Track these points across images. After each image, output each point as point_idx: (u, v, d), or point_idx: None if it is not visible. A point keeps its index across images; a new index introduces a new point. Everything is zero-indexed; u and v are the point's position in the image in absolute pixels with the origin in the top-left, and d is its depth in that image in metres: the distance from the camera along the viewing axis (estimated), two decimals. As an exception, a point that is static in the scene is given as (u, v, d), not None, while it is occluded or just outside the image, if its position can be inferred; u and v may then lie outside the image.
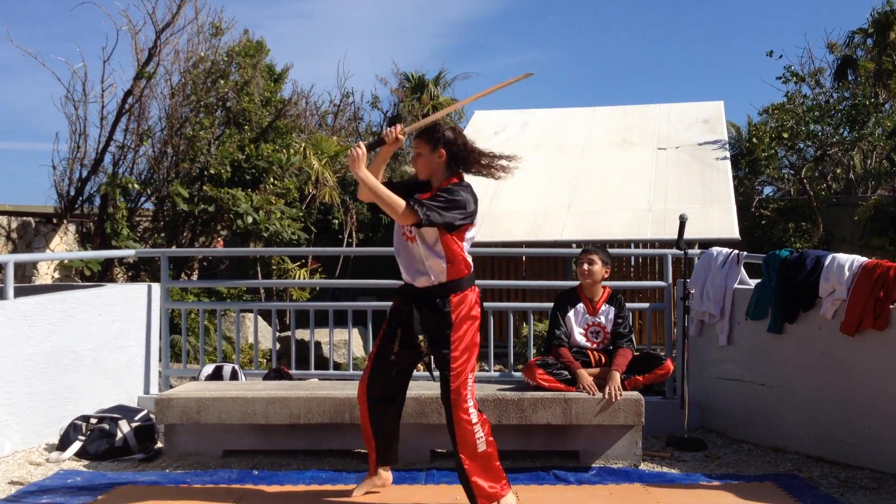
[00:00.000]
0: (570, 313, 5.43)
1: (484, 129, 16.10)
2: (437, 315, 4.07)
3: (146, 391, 6.50)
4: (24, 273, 11.57)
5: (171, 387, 6.29)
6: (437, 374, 4.19)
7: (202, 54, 13.43)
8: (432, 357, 4.20)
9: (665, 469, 5.04)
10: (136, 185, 11.96)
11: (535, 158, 14.54)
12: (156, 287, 6.67)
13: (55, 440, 5.42)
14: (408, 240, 4.12)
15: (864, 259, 5.15)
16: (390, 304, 6.64)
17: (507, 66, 50.43)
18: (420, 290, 4.12)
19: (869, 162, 16.85)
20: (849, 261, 5.15)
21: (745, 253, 6.07)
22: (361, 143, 4.00)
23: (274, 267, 12.23)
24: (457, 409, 4.04)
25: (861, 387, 5.00)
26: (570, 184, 13.42)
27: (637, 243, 11.89)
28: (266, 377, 6.34)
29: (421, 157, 4.15)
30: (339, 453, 5.15)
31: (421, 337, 4.15)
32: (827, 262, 5.25)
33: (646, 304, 6.96)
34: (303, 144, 13.68)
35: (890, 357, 4.83)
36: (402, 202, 3.95)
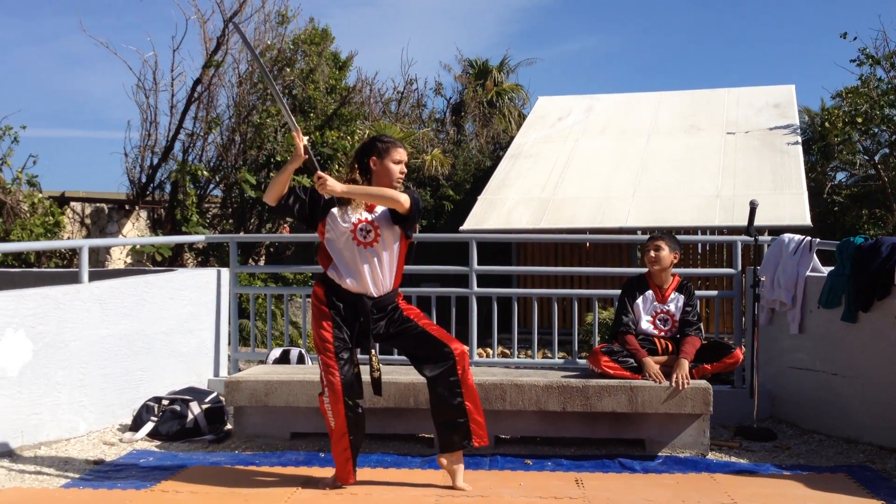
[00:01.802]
0: (639, 300, 5.36)
1: (547, 115, 16.02)
2: (392, 318, 4.20)
3: (216, 374, 6.64)
4: (98, 258, 11.90)
5: (240, 370, 6.40)
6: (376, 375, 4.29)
7: (269, 42, 13.62)
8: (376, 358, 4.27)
9: (733, 459, 4.96)
10: (205, 172, 12.20)
11: (599, 144, 14.42)
12: (225, 272, 6.79)
13: (128, 421, 5.57)
14: (362, 244, 4.09)
15: (943, 246, 4.98)
16: (455, 289, 6.72)
17: (572, 52, 49.97)
18: (377, 299, 4.14)
19: (948, 147, 16.26)
20: (927, 248, 4.99)
21: (818, 240, 5.92)
22: (318, 172, 3.96)
23: (338, 252, 12.35)
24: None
25: (939, 378, 4.84)
26: (636, 170, 13.26)
27: (705, 230, 11.70)
28: (332, 361, 6.40)
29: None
30: (404, 437, 5.19)
31: (374, 352, 4.21)
32: (904, 249, 5.09)
33: (714, 292, 6.84)
34: (367, 131, 13.78)
35: (971, 348, 4.67)
36: (394, 191, 4.01)
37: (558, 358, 6.87)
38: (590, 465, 4.74)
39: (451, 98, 21.55)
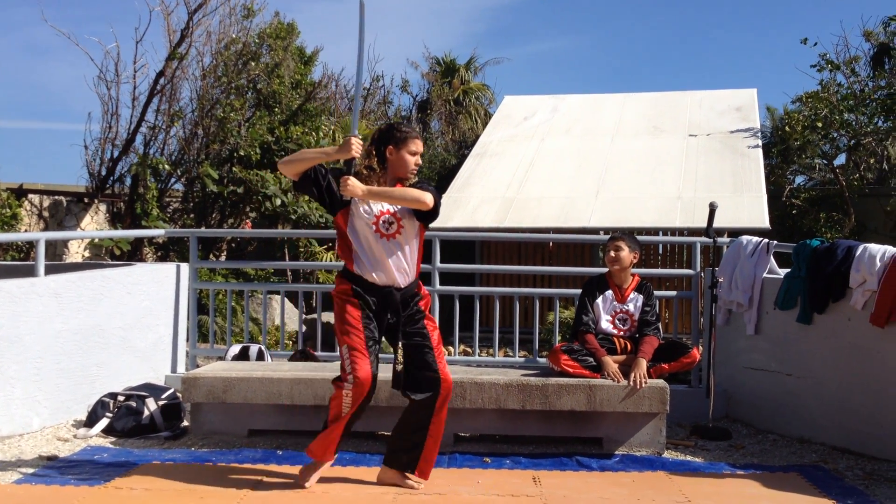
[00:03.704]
0: (599, 300, 5.40)
1: (513, 114, 16.06)
2: (412, 313, 4.14)
3: (173, 370, 6.57)
4: (55, 251, 11.73)
5: (198, 366, 6.35)
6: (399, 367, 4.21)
7: (234, 36, 13.51)
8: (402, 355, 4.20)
9: (689, 458, 5.02)
10: (166, 166, 12.08)
11: (564, 144, 14.49)
12: (184, 267, 6.73)
13: (83, 417, 5.50)
14: (384, 237, 4.05)
15: (897, 250, 5.08)
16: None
17: (539, 52, 50.16)
18: (403, 290, 4.11)
19: (904, 152, 16.58)
20: (880, 251, 5.08)
21: (775, 242, 6.01)
22: (345, 177, 3.92)
23: (301, 249, 12.30)
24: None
25: (889, 379, 4.93)
26: (600, 170, 13.35)
27: (666, 231, 11.81)
28: (292, 358, 6.38)
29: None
30: (363, 435, 5.17)
31: (400, 345, 4.17)
32: (858, 252, 5.18)
33: (673, 293, 6.91)
34: (332, 127, 13.72)
35: (921, 350, 4.77)
36: (419, 191, 4.00)
37: (519, 356, 6.90)
38: (548, 463, 4.76)
39: (417, 96, 21.56)
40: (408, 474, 4.20)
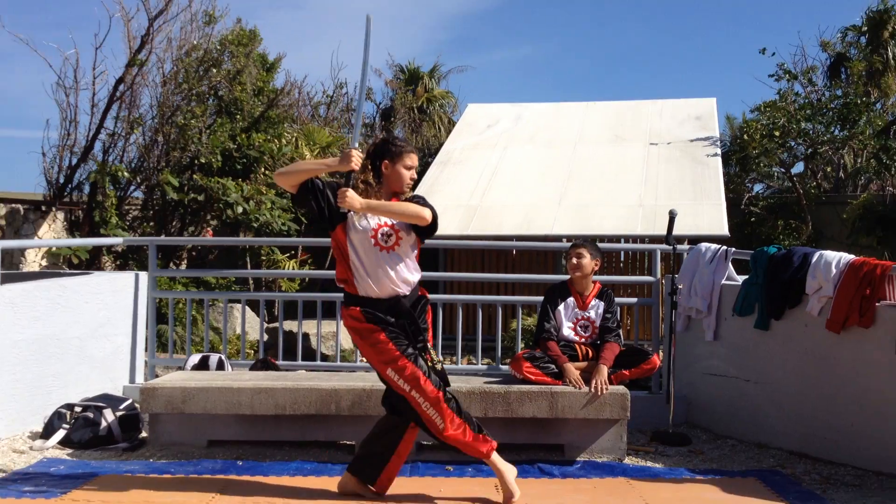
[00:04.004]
0: (560, 307, 5.43)
1: (477, 122, 16.12)
2: (415, 324, 4.10)
3: (132, 380, 6.48)
4: (12, 260, 11.53)
5: (157, 376, 6.27)
6: None
7: (195, 42, 13.40)
8: None
9: (649, 463, 5.05)
10: (125, 174, 11.93)
11: (527, 152, 14.56)
12: (143, 276, 6.65)
13: (39, 428, 5.40)
14: (384, 249, 4.01)
15: (851, 257, 5.16)
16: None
17: (503, 60, 50.39)
18: (408, 296, 4.08)
19: (859, 160, 16.91)
20: (836, 258, 5.16)
21: (734, 249, 6.08)
22: (343, 189, 3.88)
23: (263, 258, 12.21)
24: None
25: (846, 384, 5.02)
26: (562, 178, 13.43)
27: (627, 238, 11.90)
28: (252, 368, 6.33)
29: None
30: (325, 445, 5.15)
31: (430, 345, 4.15)
32: (814, 259, 5.26)
33: (634, 299, 6.96)
34: (295, 135, 13.66)
35: (875, 355, 4.85)
36: (417, 207, 3.98)
37: (482, 364, 6.91)
38: (510, 470, 4.76)
39: (381, 103, 21.53)
40: (368, 486, 4.18)
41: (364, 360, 8.91)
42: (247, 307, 7.22)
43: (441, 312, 6.71)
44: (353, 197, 3.86)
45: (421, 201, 4.08)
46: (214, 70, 13.15)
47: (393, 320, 4.01)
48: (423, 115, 20.66)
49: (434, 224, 4.08)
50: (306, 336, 9.14)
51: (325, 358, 8.46)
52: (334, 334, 7.61)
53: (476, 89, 44.26)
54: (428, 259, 13.04)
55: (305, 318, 6.99)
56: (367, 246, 4.00)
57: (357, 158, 3.90)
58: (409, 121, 19.86)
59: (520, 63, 50.99)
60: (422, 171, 15.26)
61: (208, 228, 12.89)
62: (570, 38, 52.51)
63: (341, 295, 6.77)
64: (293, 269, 12.01)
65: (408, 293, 4.07)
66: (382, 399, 4.24)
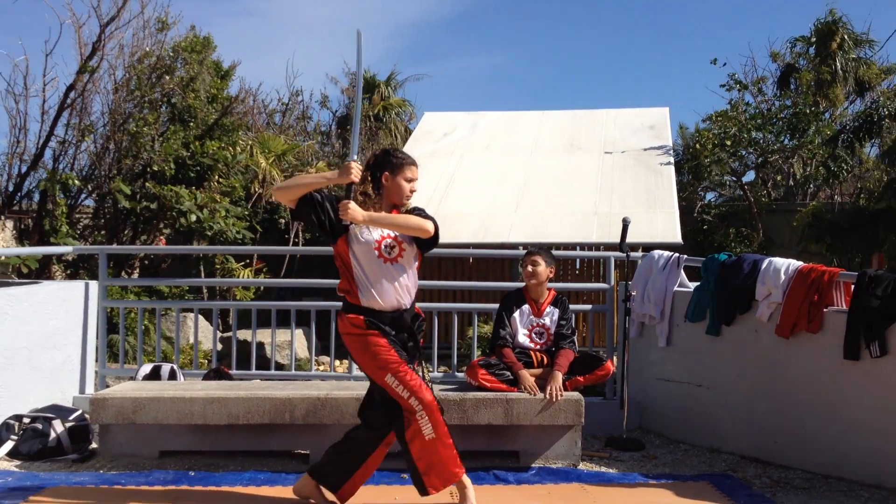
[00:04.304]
0: (516, 314, 5.46)
1: (433, 130, 16.13)
2: (414, 339, 4.10)
3: (82, 391, 6.37)
4: (-41, 270, 11.27)
5: (108, 387, 6.17)
6: None
7: (147, 49, 13.24)
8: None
9: (603, 469, 5.09)
10: (76, 182, 11.74)
11: (484, 160, 14.60)
12: (93, 285, 6.54)
13: (-14, 440, 5.28)
14: (387, 261, 3.99)
15: (800, 263, 5.26)
16: (335, 303, 6.66)
17: (459, 69, 50.57)
18: (408, 310, 4.07)
19: (808, 169, 17.25)
20: (784, 265, 5.26)
21: (686, 256, 6.16)
22: (345, 201, 3.83)
23: (218, 266, 12.09)
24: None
25: (795, 389, 5.10)
26: (519, 186, 13.49)
27: (583, 246, 11.99)
28: (205, 377, 6.26)
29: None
30: (279, 454, 5.11)
31: (423, 364, 4.15)
32: (763, 265, 5.35)
33: (588, 306, 7.01)
34: (250, 142, 13.56)
35: (823, 359, 4.94)
36: (420, 219, 3.97)
37: (439, 372, 6.90)
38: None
39: (337, 111, 21.48)
40: (325, 490, 4.14)
41: (321, 368, 8.91)
42: (200, 316, 7.13)
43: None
44: (354, 209, 3.82)
45: (422, 214, 4.06)
46: (167, 77, 12.99)
47: (394, 333, 3.99)
48: (379, 123, 20.65)
49: (436, 236, 4.07)
50: (261, 345, 9.06)
51: (280, 367, 8.38)
52: (289, 343, 7.54)
53: (433, 98, 44.43)
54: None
55: (260, 326, 6.93)
56: (371, 258, 3.97)
57: (357, 170, 3.87)
58: (366, 129, 19.82)
59: (476, 72, 51.23)
60: (378, 179, 15.25)
61: (161, 237, 12.72)
62: (526, 48, 52.91)
63: (295, 303, 6.80)
64: (248, 277, 11.91)
65: (409, 306, 4.07)
66: (359, 411, 4.19)
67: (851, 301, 4.85)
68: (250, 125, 15.75)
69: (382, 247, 3.97)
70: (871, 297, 4.71)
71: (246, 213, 12.65)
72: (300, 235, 14.31)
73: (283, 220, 14.23)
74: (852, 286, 4.92)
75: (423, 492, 4.00)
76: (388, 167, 4.03)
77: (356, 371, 6.58)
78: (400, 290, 4.00)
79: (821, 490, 4.65)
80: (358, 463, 4.11)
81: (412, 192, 4.08)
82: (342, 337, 4.07)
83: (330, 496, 4.16)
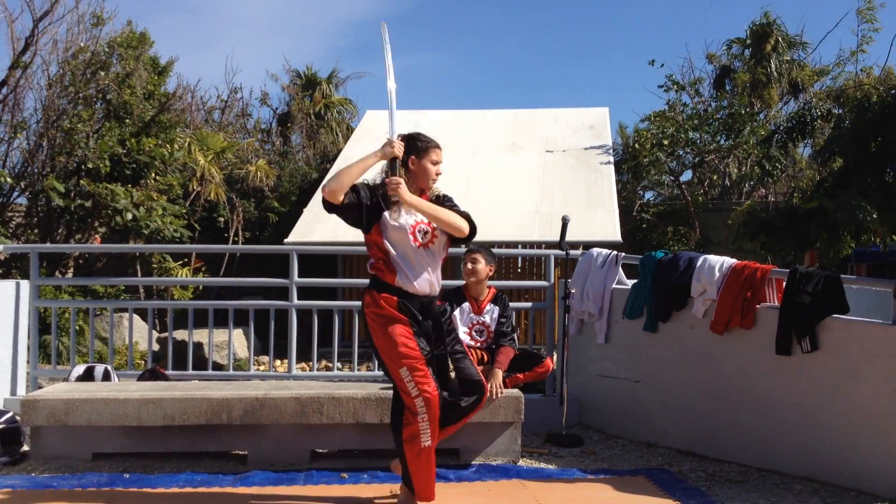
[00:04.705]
0: (456, 312, 5.47)
1: (375, 128, 16.06)
2: (441, 321, 4.09)
3: (13, 392, 6.20)
4: None
5: (40, 388, 6.01)
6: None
7: (82, 45, 12.94)
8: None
9: (543, 465, 5.12)
10: (8, 179, 11.43)
11: (425, 159, 14.59)
12: (24, 284, 6.37)
13: None
14: (421, 246, 4.00)
15: (734, 261, 5.36)
16: (274, 302, 6.60)
17: (402, 67, 50.48)
18: (436, 297, 4.09)
19: (743, 169, 17.59)
20: (719, 262, 5.36)
21: (623, 254, 6.24)
22: (395, 178, 3.85)
23: (155, 266, 11.88)
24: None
25: (729, 384, 5.20)
26: (461, 185, 13.51)
27: (524, 244, 12.06)
28: (140, 378, 6.14)
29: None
30: (216, 455, 5.03)
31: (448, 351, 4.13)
32: (699, 263, 5.44)
33: (529, 304, 7.06)
34: (188, 139, 13.35)
35: (756, 355, 5.04)
36: (460, 219, 3.99)
37: (380, 370, 6.88)
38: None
39: (277, 108, 21.22)
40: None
41: (261, 368, 8.81)
42: (137, 316, 7.00)
43: (336, 319, 6.66)
44: (404, 188, 3.84)
45: (454, 205, 4.10)
46: (102, 73, 12.72)
47: (421, 319, 3.99)
48: (320, 121, 20.47)
49: (470, 238, 4.11)
50: (199, 345, 8.92)
51: (218, 367, 8.27)
52: (227, 343, 7.43)
53: (375, 96, 44.28)
54: (327, 266, 12.95)
55: (199, 326, 6.83)
56: (406, 242, 3.97)
57: (399, 146, 3.90)
58: (307, 126, 19.65)
59: (418, 70, 51.22)
60: (320, 177, 15.17)
61: (96, 236, 12.44)
62: (468, 47, 53.07)
63: (232, 303, 6.71)
64: (186, 276, 11.72)
65: (437, 294, 4.10)
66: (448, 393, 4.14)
67: (783, 297, 4.95)
68: (188, 122, 15.50)
69: (417, 231, 3.99)
70: (802, 293, 4.82)
71: (184, 211, 12.45)
72: (240, 234, 14.14)
73: (223, 219, 14.04)
74: (784, 283, 5.03)
75: (412, 491, 4.01)
76: (414, 151, 4.05)
77: (296, 370, 6.54)
78: (431, 276, 4.03)
79: (754, 483, 4.75)
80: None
81: (438, 174, 4.11)
82: (367, 313, 4.02)
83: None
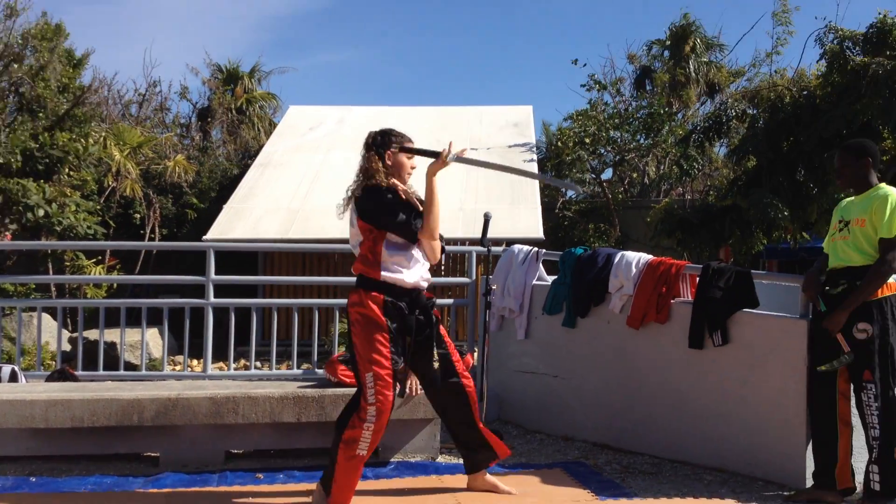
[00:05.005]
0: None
1: (299, 124, 15.92)
2: (429, 317, 4.15)
3: (-88, 396, 5.93)
4: None
5: (-59, 391, 5.77)
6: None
7: (-7, 37, 12.48)
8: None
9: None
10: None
11: (350, 156, 14.44)
12: (-75, 283, 6.11)
13: None
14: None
15: (650, 257, 5.46)
16: (190, 300, 6.46)
17: (326, 63, 50.12)
18: (422, 290, 4.13)
19: (662, 167, 17.96)
20: (636, 258, 5.44)
21: (544, 250, 6.29)
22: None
23: (68, 263, 11.53)
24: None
25: (644, 377, 5.29)
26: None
27: (449, 241, 12.05)
28: (49, 379, 5.95)
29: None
30: (127, 457, 4.91)
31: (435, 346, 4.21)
32: (616, 259, 5.52)
33: (451, 300, 7.06)
34: (103, 134, 12.99)
35: (670, 349, 5.14)
36: (437, 241, 4.14)
37: (304, 369, 6.81)
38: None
39: (197, 103, 20.80)
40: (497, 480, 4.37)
41: (176, 368, 8.62)
42: (48, 316, 6.77)
43: (254, 317, 6.57)
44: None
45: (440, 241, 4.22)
46: (15, 65, 12.30)
47: (408, 313, 4.02)
48: (242, 116, 20.15)
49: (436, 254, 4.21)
50: (112, 345, 8.68)
51: (132, 367, 8.05)
52: (140, 343, 7.25)
53: (298, 91, 43.76)
54: (248, 263, 12.76)
55: (112, 326, 6.65)
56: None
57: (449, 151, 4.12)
58: (228, 121, 19.32)
59: (342, 66, 50.94)
60: (241, 173, 14.93)
61: (6, 233, 12.01)
62: (393, 44, 52.97)
63: (147, 301, 6.58)
64: (100, 274, 11.40)
65: (426, 287, 4.15)
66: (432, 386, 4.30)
67: (696, 292, 5.06)
68: (104, 116, 15.11)
69: None
70: (715, 288, 4.93)
71: (98, 207, 12.12)
72: (157, 231, 13.82)
73: (139, 215, 13.71)
74: (697, 278, 5.13)
75: (327, 493, 3.96)
76: (391, 146, 4.17)
77: (212, 370, 6.42)
78: (422, 269, 4.11)
79: (667, 474, 4.84)
80: (475, 428, 4.34)
81: (413, 168, 4.23)
82: (350, 311, 4.03)
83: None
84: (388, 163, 4.15)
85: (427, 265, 4.18)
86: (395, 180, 4.14)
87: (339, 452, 3.92)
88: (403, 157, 4.19)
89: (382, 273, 4.00)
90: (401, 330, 4.03)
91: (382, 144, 4.17)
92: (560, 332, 5.81)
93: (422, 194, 4.14)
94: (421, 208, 4.11)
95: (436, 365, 4.26)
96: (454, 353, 4.32)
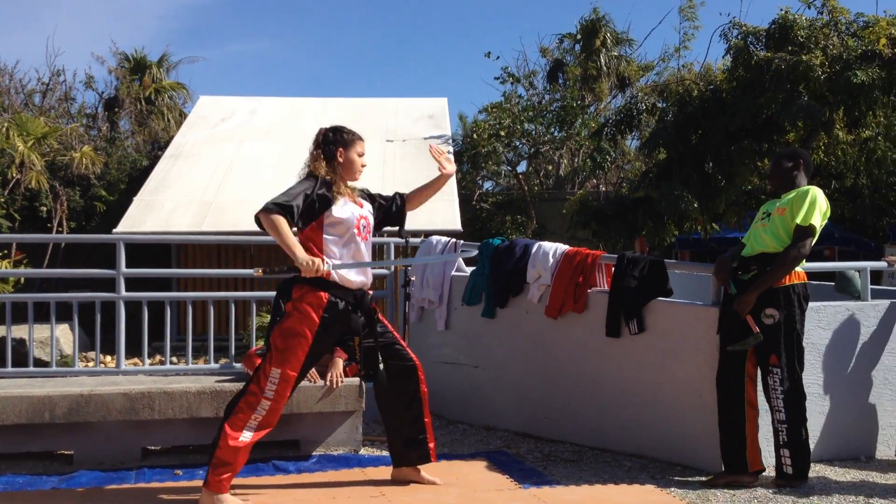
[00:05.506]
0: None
1: (210, 115, 15.61)
2: (372, 313, 4.17)
3: None
4: None
5: None
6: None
7: None
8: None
9: (384, 453, 5.10)
10: None
11: (264, 147, 14.31)
12: None
13: None
14: (363, 239, 4.12)
15: (566, 247, 5.55)
16: (100, 294, 6.28)
17: (237, 53, 49.24)
18: (365, 289, 4.13)
19: (576, 160, 18.24)
20: (553, 249, 5.53)
21: (462, 242, 6.33)
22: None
23: (-31, 258, 11.06)
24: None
25: (563, 366, 5.38)
26: (300, 173, 13.33)
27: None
28: (-47, 378, 5.71)
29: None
30: (39, 455, 4.75)
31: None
32: (534, 249, 5.59)
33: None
34: (5, 124, 12.50)
35: (588, 338, 5.24)
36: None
37: (223, 363, 6.70)
38: (244, 469, 4.59)
39: (104, 93, 20.18)
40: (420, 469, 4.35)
41: (88, 364, 8.37)
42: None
43: (168, 311, 6.43)
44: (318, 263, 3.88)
45: (370, 195, 4.34)
46: None
47: (351, 311, 4.03)
48: (151, 106, 19.64)
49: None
50: (21, 342, 8.38)
51: (42, 364, 7.78)
52: (50, 339, 7.02)
53: (209, 82, 42.90)
54: (161, 256, 12.47)
55: (20, 321, 6.42)
56: (350, 236, 4.05)
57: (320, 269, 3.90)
58: (136, 112, 18.80)
59: (253, 56, 50.11)
60: (151, 165, 14.56)
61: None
62: (307, 35, 52.36)
63: (55, 295, 6.38)
64: (7, 268, 10.98)
65: (369, 284, 4.18)
66: (375, 384, 4.26)
67: (612, 282, 5.16)
68: (6, 106, 14.54)
69: (361, 226, 4.10)
70: (630, 277, 5.05)
71: (2, 200, 11.66)
72: (64, 224, 13.38)
73: (45, 208, 13.25)
74: (613, 268, 5.24)
75: (206, 484, 3.89)
76: (340, 143, 4.15)
77: (125, 365, 6.27)
78: (367, 268, 4.13)
79: (587, 461, 4.94)
80: (420, 423, 4.31)
81: (363, 166, 4.21)
82: (290, 304, 4.01)
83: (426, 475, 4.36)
84: (340, 160, 4.15)
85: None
86: (338, 180, 4.11)
87: (221, 441, 3.87)
88: (354, 155, 4.18)
89: (332, 272, 4.01)
90: (341, 322, 4.04)
91: (333, 142, 4.16)
92: (480, 323, 5.86)
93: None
94: (360, 206, 4.17)
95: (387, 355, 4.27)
96: (401, 340, 4.37)
